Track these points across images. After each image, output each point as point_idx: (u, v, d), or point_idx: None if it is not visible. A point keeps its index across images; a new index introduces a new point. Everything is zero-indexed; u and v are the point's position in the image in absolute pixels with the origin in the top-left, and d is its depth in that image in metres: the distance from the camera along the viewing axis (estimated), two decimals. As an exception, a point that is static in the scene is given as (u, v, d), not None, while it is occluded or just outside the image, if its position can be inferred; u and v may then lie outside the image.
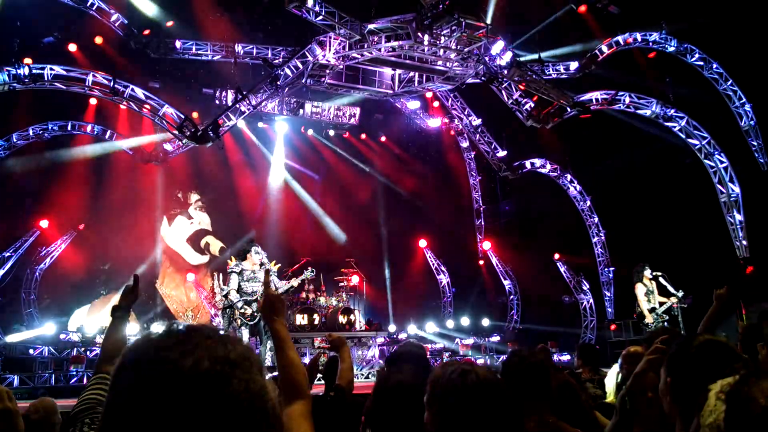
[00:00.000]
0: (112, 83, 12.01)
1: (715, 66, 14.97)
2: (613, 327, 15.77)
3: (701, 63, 15.01)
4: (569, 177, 17.10)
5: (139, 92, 12.55)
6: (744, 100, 14.83)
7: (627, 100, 14.40)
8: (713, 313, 4.14)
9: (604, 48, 14.81)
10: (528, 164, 17.09)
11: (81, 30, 14.11)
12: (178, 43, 14.26)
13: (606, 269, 17.03)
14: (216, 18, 14.60)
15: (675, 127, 14.31)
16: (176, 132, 12.65)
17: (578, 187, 17.11)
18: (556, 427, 2.62)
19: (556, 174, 17.15)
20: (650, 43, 15.01)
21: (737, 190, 14.03)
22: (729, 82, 14.93)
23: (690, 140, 14.26)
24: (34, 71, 11.30)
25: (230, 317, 10.15)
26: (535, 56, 14.88)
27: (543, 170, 17.17)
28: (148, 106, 12.66)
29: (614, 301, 16.73)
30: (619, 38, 14.75)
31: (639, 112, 14.43)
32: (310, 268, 11.53)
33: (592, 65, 14.98)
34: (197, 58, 14.83)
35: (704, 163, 14.24)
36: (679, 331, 10.95)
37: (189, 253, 18.67)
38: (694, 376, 1.95)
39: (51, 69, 11.57)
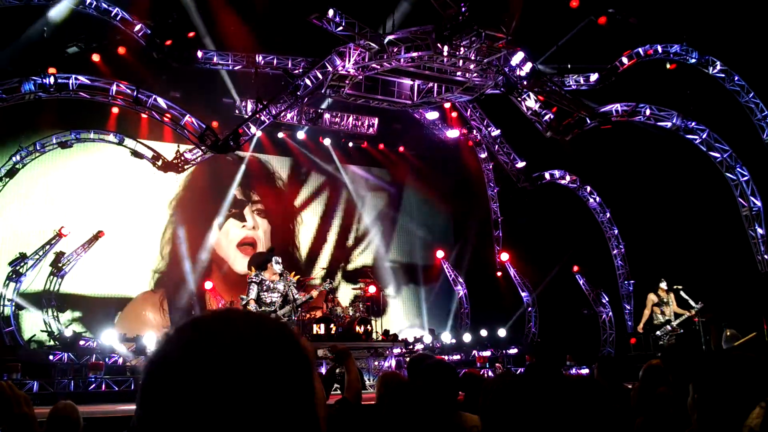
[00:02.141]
0: (135, 93, 12.17)
1: (736, 78, 14.84)
2: (632, 341, 15.60)
3: (723, 75, 14.89)
4: (589, 189, 16.99)
5: (162, 102, 12.70)
6: (766, 112, 14.67)
7: (647, 112, 14.31)
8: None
9: (625, 59, 14.72)
10: (547, 175, 17.00)
11: (104, 40, 14.30)
12: (199, 53, 14.39)
13: (626, 282, 16.87)
14: (237, 28, 14.72)
15: (696, 139, 14.19)
16: (197, 141, 12.77)
17: (598, 198, 16.99)
18: None
19: (575, 186, 17.05)
20: (671, 55, 14.91)
21: (759, 203, 13.86)
22: (751, 95, 14.79)
23: (711, 153, 14.13)
24: (59, 81, 11.48)
25: None
26: (555, 68, 14.83)
27: (562, 182, 17.08)
28: (169, 116, 12.80)
29: (634, 315, 16.56)
30: (640, 50, 14.67)
31: (660, 124, 14.33)
32: (328, 279, 11.58)
33: (612, 77, 14.89)
34: (218, 68, 14.97)
35: (726, 176, 14.10)
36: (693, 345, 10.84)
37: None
38: (722, 393, 1.93)
39: (76, 79, 11.76)
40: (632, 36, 14.75)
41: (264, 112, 13.46)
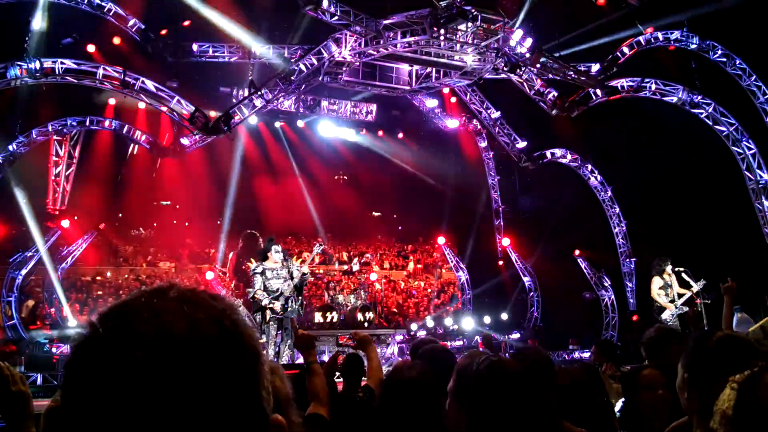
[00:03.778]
0: (122, 76, 12.00)
1: (738, 62, 14.72)
2: (635, 318, 15.56)
3: (724, 59, 14.77)
4: (590, 167, 16.89)
5: (150, 84, 12.51)
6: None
7: (653, 87, 14.21)
8: (729, 306, 4.14)
9: (626, 49, 14.59)
10: (548, 154, 16.89)
11: (99, 31, 14.19)
12: (194, 46, 14.31)
13: (628, 260, 16.79)
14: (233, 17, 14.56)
15: (702, 113, 14.10)
16: (188, 124, 12.67)
17: (599, 177, 16.90)
18: (560, 426, 2.55)
19: (576, 164, 16.94)
20: (671, 41, 14.79)
21: (766, 176, 13.79)
22: (753, 78, 14.68)
23: (717, 126, 14.05)
24: (44, 65, 11.30)
25: (262, 315, 10.14)
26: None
27: (563, 160, 16.96)
28: (162, 100, 12.68)
29: (636, 293, 16.51)
30: (641, 39, 14.54)
31: (665, 99, 14.23)
32: (319, 243, 11.43)
33: (614, 67, 14.76)
34: (214, 60, 14.86)
35: (732, 149, 14.02)
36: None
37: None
38: (712, 372, 1.90)
39: (62, 63, 11.58)
40: (632, 18, 14.59)
41: (259, 98, 13.34)
